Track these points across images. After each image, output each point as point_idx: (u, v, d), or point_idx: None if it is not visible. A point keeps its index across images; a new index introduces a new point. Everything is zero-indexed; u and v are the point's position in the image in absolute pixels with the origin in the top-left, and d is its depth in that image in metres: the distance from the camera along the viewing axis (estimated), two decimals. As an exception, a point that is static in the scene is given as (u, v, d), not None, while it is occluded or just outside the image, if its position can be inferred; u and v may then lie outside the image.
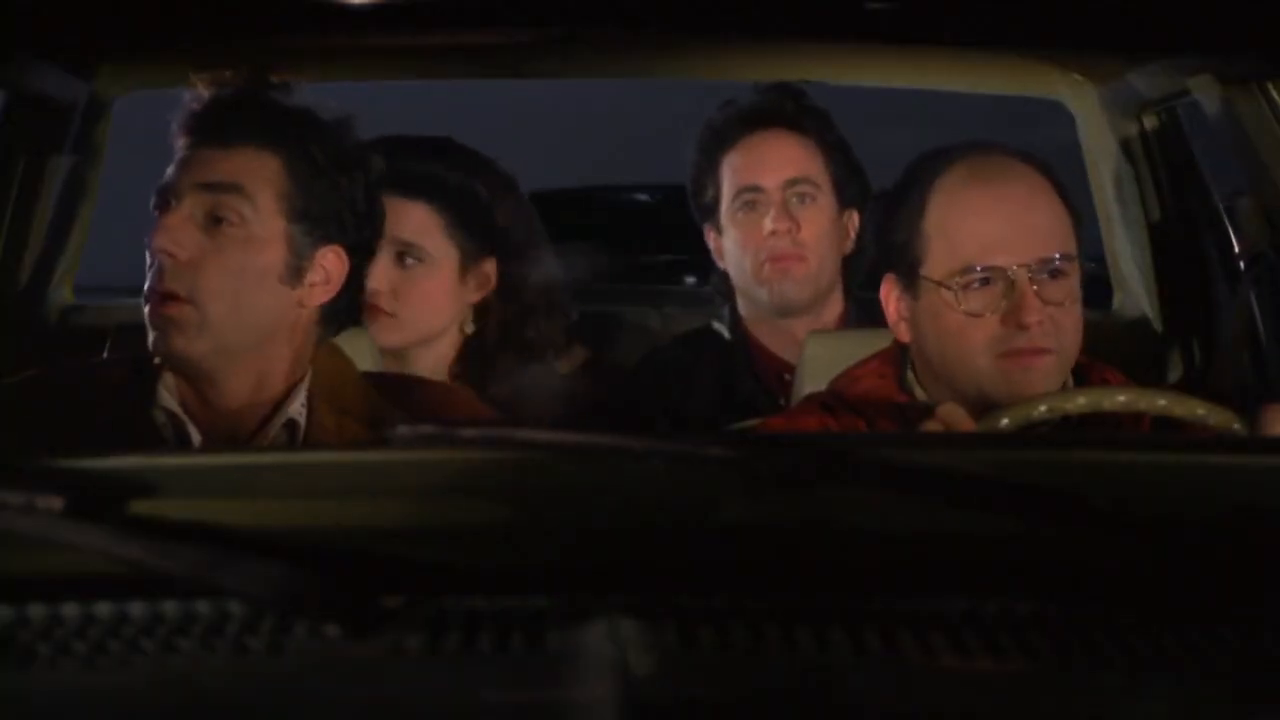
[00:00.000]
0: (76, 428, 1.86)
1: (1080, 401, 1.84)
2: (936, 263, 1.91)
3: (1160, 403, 1.84)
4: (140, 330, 2.07)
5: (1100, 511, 1.02)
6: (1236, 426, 1.74)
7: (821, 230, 2.60)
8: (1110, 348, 2.35)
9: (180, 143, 1.91)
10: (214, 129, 1.90)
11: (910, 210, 1.94)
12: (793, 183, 2.59)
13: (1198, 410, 1.79)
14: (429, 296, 2.46)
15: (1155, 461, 1.19)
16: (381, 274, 2.36)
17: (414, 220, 2.42)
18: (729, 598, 0.97)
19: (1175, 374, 3.17)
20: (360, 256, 1.97)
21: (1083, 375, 1.98)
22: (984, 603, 0.97)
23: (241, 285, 1.86)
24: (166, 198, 1.88)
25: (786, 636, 0.92)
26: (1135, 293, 3.28)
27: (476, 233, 2.48)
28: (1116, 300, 3.36)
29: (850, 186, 2.64)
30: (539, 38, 2.73)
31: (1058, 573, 1.01)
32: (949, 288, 1.89)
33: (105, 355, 2.66)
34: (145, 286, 1.88)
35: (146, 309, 1.87)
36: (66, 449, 1.16)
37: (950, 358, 1.91)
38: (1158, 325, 3.23)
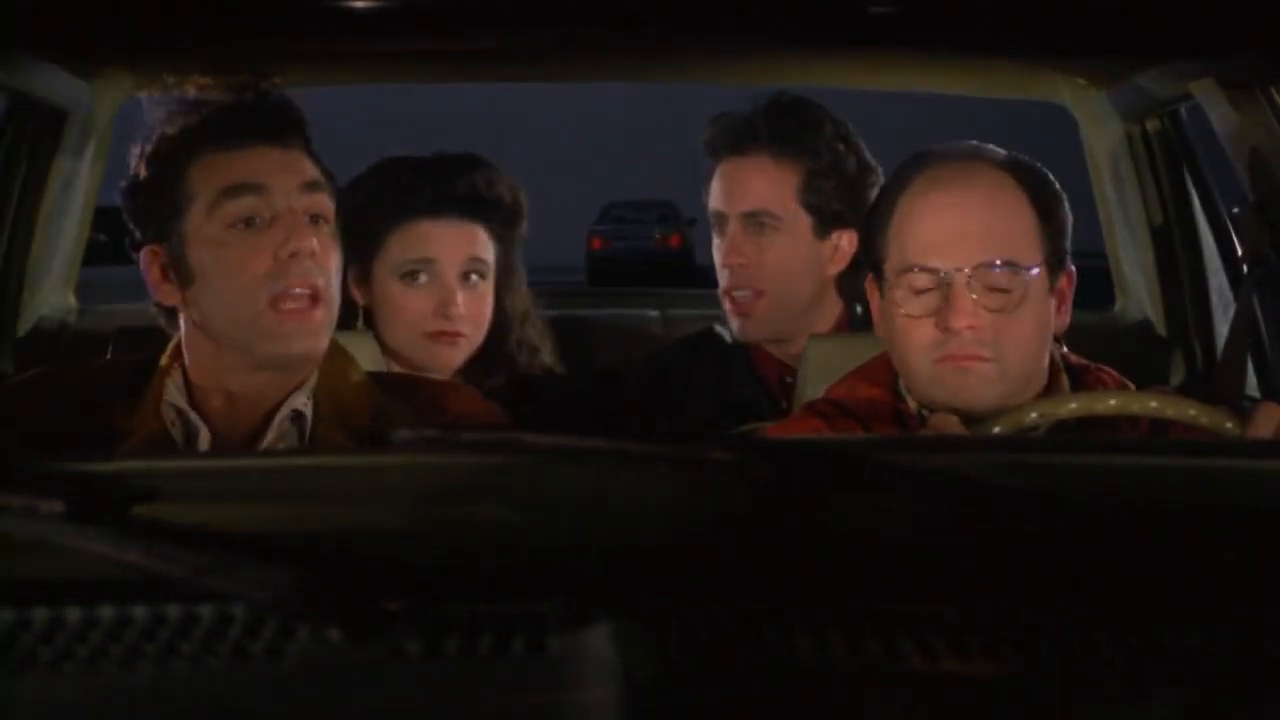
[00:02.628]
0: (82, 427, 1.86)
1: (1072, 406, 1.83)
2: (892, 263, 1.92)
3: (1152, 404, 1.83)
4: (142, 333, 2.07)
5: (1100, 513, 1.02)
6: (1229, 426, 1.74)
7: (784, 259, 2.56)
8: (1112, 350, 2.35)
9: (226, 142, 1.89)
10: (279, 128, 1.92)
11: (883, 211, 1.95)
12: (750, 215, 2.57)
13: (1189, 411, 1.78)
14: (487, 310, 2.52)
15: (1156, 464, 1.19)
16: (454, 295, 2.45)
17: (479, 240, 2.49)
18: (730, 601, 0.97)
19: (1178, 377, 3.17)
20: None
21: (1079, 377, 1.97)
22: (984, 605, 0.97)
23: (337, 283, 1.91)
24: (256, 197, 1.86)
25: (787, 640, 0.92)
26: (1138, 296, 3.28)
27: (509, 245, 2.56)
28: (1119, 303, 3.37)
29: (839, 208, 2.57)
30: (539, 41, 2.73)
31: (1058, 575, 1.01)
32: (898, 288, 1.89)
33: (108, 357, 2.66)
34: (281, 288, 1.85)
35: (271, 314, 1.84)
36: (69, 450, 1.17)
37: (900, 358, 1.92)
38: (1160, 328, 3.23)
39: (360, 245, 2.39)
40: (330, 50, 2.77)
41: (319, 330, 1.88)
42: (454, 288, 2.45)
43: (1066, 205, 1.95)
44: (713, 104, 2.71)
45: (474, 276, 2.48)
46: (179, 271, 1.90)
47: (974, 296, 1.85)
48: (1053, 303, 1.91)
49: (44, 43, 2.62)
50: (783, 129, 2.58)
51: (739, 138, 2.59)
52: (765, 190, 2.57)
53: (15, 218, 3.02)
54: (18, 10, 2.29)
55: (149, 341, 2.04)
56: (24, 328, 3.13)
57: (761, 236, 2.56)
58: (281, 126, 1.92)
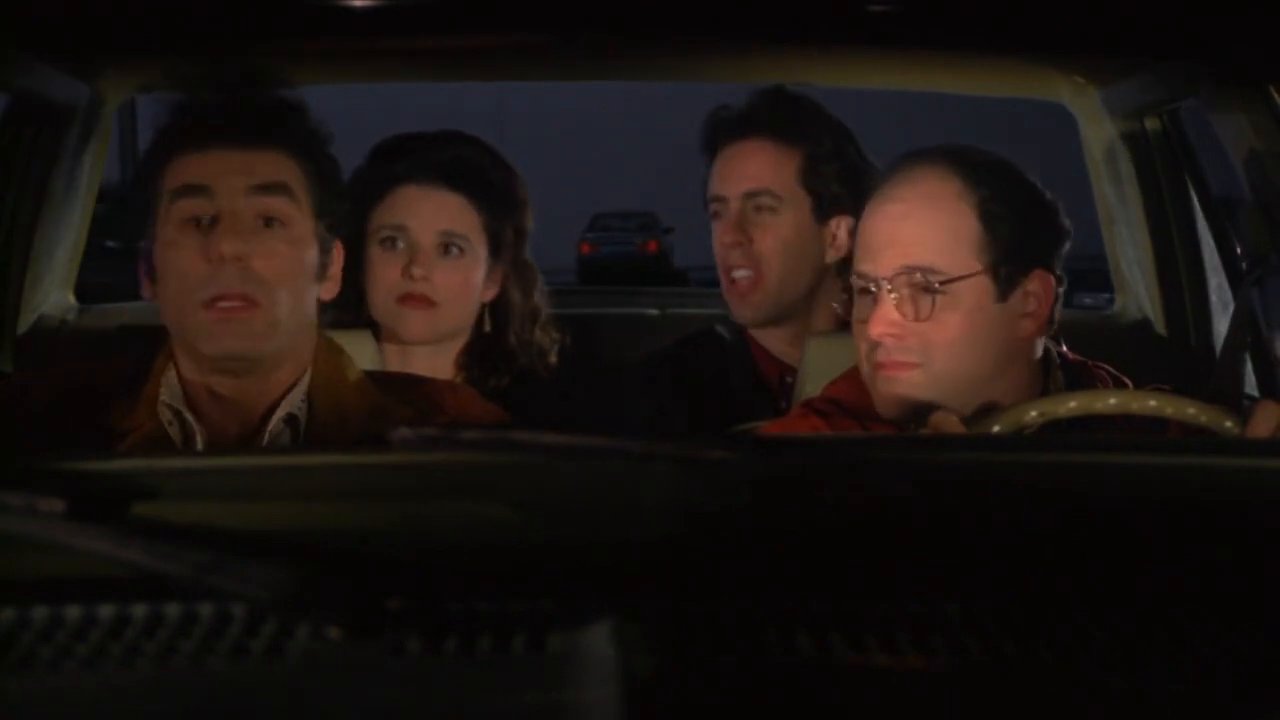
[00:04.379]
0: (80, 427, 1.86)
1: (1072, 405, 1.82)
2: (854, 266, 1.93)
3: (1151, 403, 1.82)
4: (141, 332, 2.07)
5: (1100, 513, 1.02)
6: (1229, 424, 1.73)
7: (782, 242, 2.56)
8: (1111, 349, 2.35)
9: (191, 145, 1.90)
10: (242, 131, 1.90)
11: (862, 211, 1.96)
12: (752, 195, 2.57)
13: (1189, 410, 1.78)
14: (467, 290, 2.47)
15: (1155, 463, 1.19)
16: (425, 262, 2.41)
17: (458, 211, 2.45)
18: (730, 599, 0.97)
19: (1177, 376, 3.16)
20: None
21: (1077, 375, 1.97)
22: (984, 605, 0.97)
23: (296, 284, 1.89)
24: (201, 200, 1.87)
25: (786, 638, 0.92)
26: (1137, 295, 3.28)
27: (503, 231, 2.51)
28: (1118, 302, 3.36)
29: (838, 191, 2.58)
30: (537, 41, 2.73)
31: (1058, 574, 1.01)
32: (854, 291, 1.91)
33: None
34: (205, 293, 1.85)
35: (205, 314, 1.85)
36: (69, 450, 1.17)
37: (860, 363, 1.92)
38: (1159, 327, 3.23)
39: (356, 218, 2.37)
40: (330, 50, 2.77)
41: (255, 332, 1.86)
42: (424, 251, 2.41)
43: (1044, 208, 1.92)
44: (705, 109, 2.71)
45: (453, 250, 2.43)
46: (150, 269, 1.93)
47: (895, 303, 1.84)
48: (1018, 306, 1.88)
49: (44, 43, 2.61)
50: (783, 115, 2.60)
51: (740, 124, 2.61)
52: (766, 171, 2.58)
53: (15, 217, 3.01)
54: (18, 10, 2.29)
55: (149, 340, 2.04)
56: (24, 326, 3.12)
57: (761, 216, 2.58)
58: (245, 128, 1.90)
